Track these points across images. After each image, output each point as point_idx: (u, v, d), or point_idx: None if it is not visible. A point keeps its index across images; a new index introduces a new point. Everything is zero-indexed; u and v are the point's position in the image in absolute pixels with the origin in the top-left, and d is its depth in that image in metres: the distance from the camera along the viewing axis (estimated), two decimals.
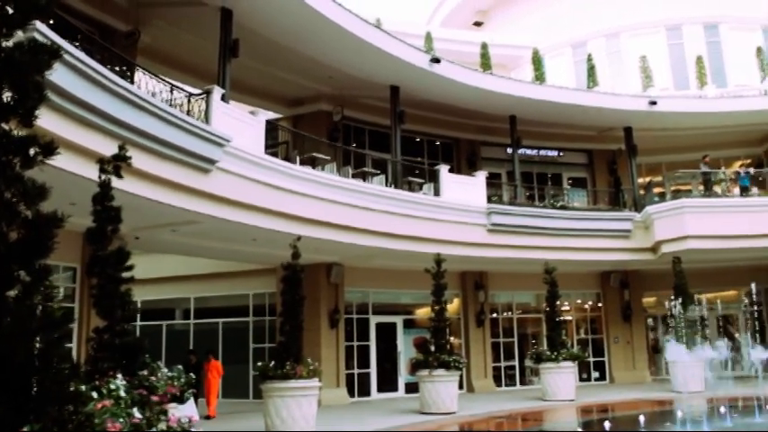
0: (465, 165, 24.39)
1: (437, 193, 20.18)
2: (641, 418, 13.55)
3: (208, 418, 16.40)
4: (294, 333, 13.32)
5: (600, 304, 26.19)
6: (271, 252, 16.99)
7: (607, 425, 13.73)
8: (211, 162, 13.02)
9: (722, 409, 14.21)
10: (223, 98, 14.15)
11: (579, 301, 26.52)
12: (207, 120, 13.42)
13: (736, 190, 23.72)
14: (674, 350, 20.14)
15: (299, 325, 13.44)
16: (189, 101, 13.45)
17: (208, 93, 13.77)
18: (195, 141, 12.47)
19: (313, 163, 17.50)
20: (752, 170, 24.87)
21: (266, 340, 20.92)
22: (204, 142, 12.71)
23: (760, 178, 24.79)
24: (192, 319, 23.29)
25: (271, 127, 18.40)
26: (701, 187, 23.42)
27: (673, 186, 24.79)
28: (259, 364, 13.71)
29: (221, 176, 13.45)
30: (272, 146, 18.57)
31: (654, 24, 30.49)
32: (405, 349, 22.46)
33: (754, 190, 24.01)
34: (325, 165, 18.06)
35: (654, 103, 23.52)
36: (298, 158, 17.21)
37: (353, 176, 18.67)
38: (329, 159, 18.39)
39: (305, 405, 12.86)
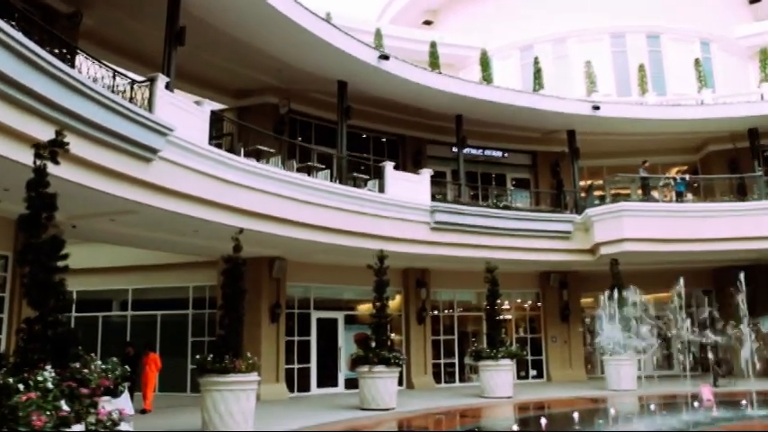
0: (410, 162, 24.52)
1: (382, 189, 20.19)
2: (575, 415, 13.87)
3: (144, 411, 16.10)
4: (234, 327, 13.17)
5: (539, 304, 26.64)
6: (212, 244, 16.78)
7: (543, 421, 14.02)
8: (154, 151, 12.75)
9: (652, 407, 14.68)
10: (167, 86, 13.87)
11: (519, 301, 26.93)
12: (150, 108, 13.14)
13: (674, 195, 24.41)
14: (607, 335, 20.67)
15: (240, 319, 13.29)
16: (132, 88, 13.14)
17: (152, 80, 13.48)
18: (137, 129, 12.19)
19: (258, 155, 17.31)
20: (687, 177, 25.67)
21: (206, 334, 20.67)
22: (147, 131, 12.44)
23: (695, 185, 25.61)
24: (130, 310, 22.80)
25: (216, 118, 18.13)
26: (640, 192, 24.04)
27: (613, 190, 25.41)
28: (197, 357, 13.51)
29: (163, 166, 13.19)
30: (216, 137, 18.31)
31: (599, 32, 31.14)
32: (345, 345, 22.45)
33: (689, 196, 24.81)
34: (270, 158, 17.87)
35: (597, 107, 24.03)
36: (242, 150, 17.00)
37: (298, 170, 18.54)
38: (274, 152, 18.21)
39: (243, 400, 12.71)
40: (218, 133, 19.36)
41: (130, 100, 12.78)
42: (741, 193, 24.27)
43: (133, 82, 13.24)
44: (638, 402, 16.94)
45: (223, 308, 13.40)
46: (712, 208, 22.68)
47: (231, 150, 16.62)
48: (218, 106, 20.80)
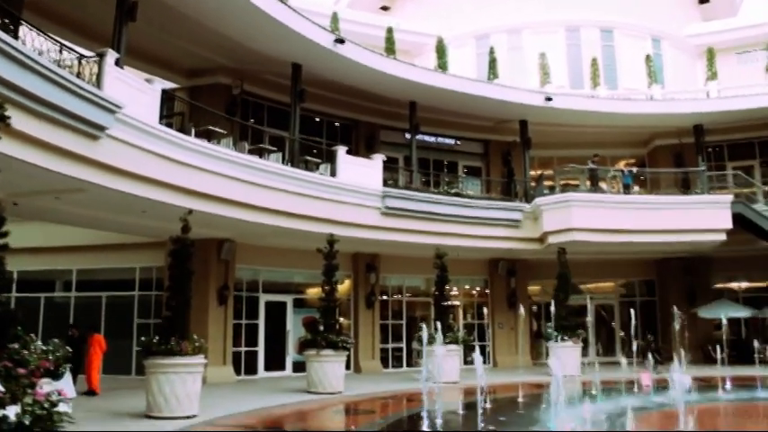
0: (363, 147, 24.49)
1: (334, 173, 20.15)
2: (519, 398, 14.11)
3: (92, 393, 15.84)
4: (181, 309, 13.01)
5: (487, 291, 26.97)
6: (160, 225, 16.52)
7: (488, 404, 14.29)
8: (101, 129, 12.49)
9: (593, 391, 15.10)
10: (117, 63, 13.58)
11: (467, 287, 27.23)
12: (99, 84, 12.85)
13: (622, 187, 24.94)
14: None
15: (187, 300, 13.13)
16: (80, 63, 12.82)
17: (101, 56, 13.17)
18: (85, 106, 11.91)
19: (209, 136, 17.08)
20: (635, 169, 26.23)
21: (152, 316, 20.39)
22: (94, 107, 12.17)
23: (642, 177, 26.19)
24: (74, 291, 22.32)
25: (167, 97, 17.86)
26: (589, 183, 24.51)
27: (562, 180, 25.84)
28: (143, 339, 13.34)
29: (112, 144, 12.94)
30: (167, 116, 18.03)
31: (554, 24, 31.51)
32: (294, 328, 22.42)
33: (636, 188, 25.38)
34: (222, 139, 17.66)
35: (549, 99, 24.33)
36: (193, 131, 16.76)
37: (250, 152, 18.36)
38: (226, 134, 18.01)
39: (189, 382, 12.58)
40: (169, 112, 19.07)
41: (78, 75, 12.47)
42: (685, 186, 24.94)
43: (81, 57, 12.91)
44: (579, 387, 17.34)
45: (170, 289, 13.22)
46: (657, 200, 23.26)
47: (182, 130, 16.37)
48: (169, 85, 20.42)
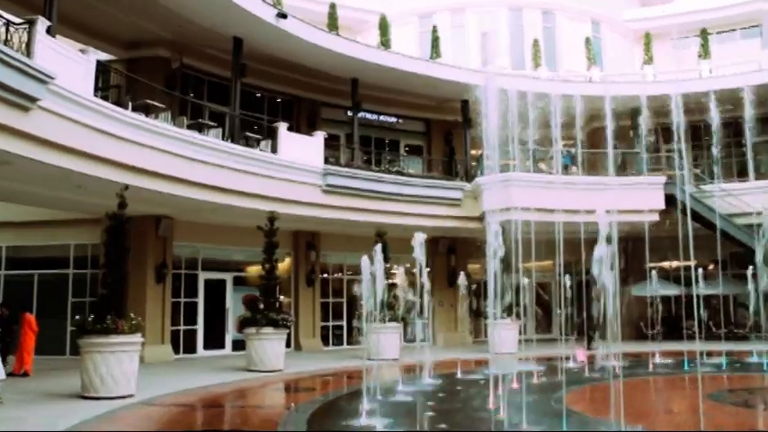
0: (305, 124, 24.28)
1: (274, 150, 19.93)
2: (458, 373, 14.37)
3: (25, 374, 15.39)
4: (117, 286, 12.75)
5: (428, 269, 27.14)
6: (96, 201, 16.05)
7: (426, 380, 14.50)
8: (32, 100, 12.02)
9: (529, 366, 15.50)
10: (49, 31, 13.05)
11: (408, 265, 27.36)
12: (29, 53, 12.33)
13: (560, 167, 25.37)
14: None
15: (123, 278, 12.89)
16: (8, 30, 12.26)
17: (31, 23, 12.62)
18: (13, 75, 11.42)
19: (146, 110, 16.63)
20: (573, 150, 26.70)
21: (87, 294, 19.91)
22: (24, 77, 11.68)
23: (580, 158, 26.69)
24: (4, 269, 21.59)
25: (103, 68, 17.30)
26: (528, 162, 24.85)
27: (503, 160, 26.07)
28: (77, 318, 13.00)
29: (43, 116, 12.47)
30: (102, 89, 17.48)
31: (497, 4, 31.64)
32: (234, 307, 22.25)
33: (574, 169, 25.86)
34: (160, 113, 17.23)
35: (490, 78, 24.44)
36: (130, 104, 16.29)
37: (189, 127, 17.98)
38: (164, 108, 17.58)
39: (126, 362, 12.34)
40: (106, 85, 18.50)
41: (5, 43, 11.95)
42: (622, 168, 25.53)
43: (9, 23, 12.35)
44: (516, 363, 17.72)
45: (106, 267, 12.92)
46: (595, 181, 23.75)
47: (118, 103, 15.89)
48: (106, 56, 19.80)
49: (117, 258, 12.83)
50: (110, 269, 12.80)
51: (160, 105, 17.36)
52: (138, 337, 12.68)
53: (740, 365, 17.67)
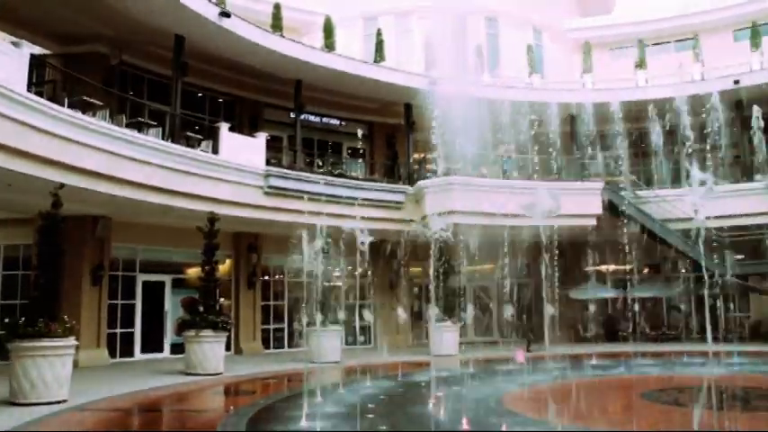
0: (247, 125, 24.00)
1: (216, 151, 19.69)
2: (399, 376, 14.43)
3: None
4: (49, 288, 12.34)
5: (369, 271, 27.18)
6: (28, 200, 15.53)
7: (368, 382, 14.50)
8: None
9: (470, 368, 15.65)
10: None
11: (350, 268, 27.34)
12: None
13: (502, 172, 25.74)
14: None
15: (56, 280, 12.49)
16: None
17: None
18: None
19: (83, 107, 16.22)
20: (514, 155, 27.12)
21: (18, 297, 19.24)
22: None
23: (521, 163, 27.13)
24: None
25: (37, 63, 16.80)
26: (470, 167, 25.09)
27: (445, 164, 26.27)
28: (6, 320, 12.55)
29: None
30: (37, 84, 16.99)
31: (442, 10, 31.87)
32: (172, 309, 21.86)
33: (515, 173, 26.27)
34: (98, 111, 16.83)
35: (433, 83, 24.70)
36: (66, 101, 15.87)
37: (128, 126, 17.62)
38: (102, 105, 17.17)
39: (58, 366, 11.94)
40: (40, 80, 17.98)
41: None
42: (562, 173, 26.03)
43: None
44: (456, 365, 17.89)
45: (38, 268, 12.51)
46: (535, 186, 24.11)
47: (54, 100, 15.45)
48: (41, 51, 19.25)
49: (50, 259, 12.43)
50: (42, 271, 12.40)
51: (98, 103, 16.95)
52: (71, 341, 12.30)
53: (672, 365, 18.20)
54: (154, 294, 21.64)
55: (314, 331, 20.16)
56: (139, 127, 18.11)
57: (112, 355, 19.82)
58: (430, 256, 22.98)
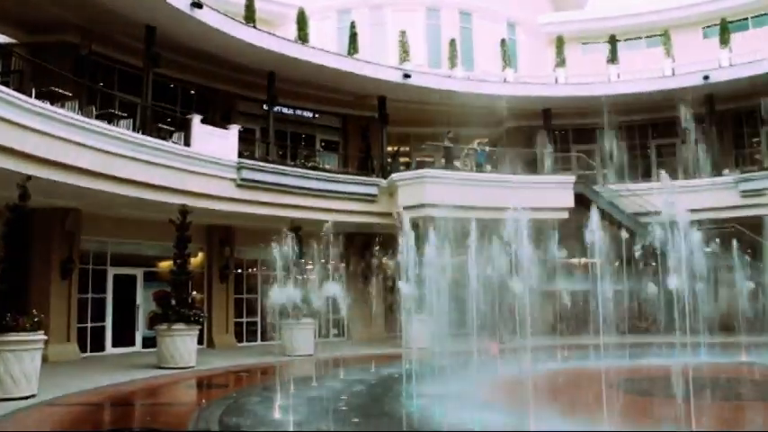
0: (219, 117, 23.72)
1: (188, 143, 19.49)
2: (372, 368, 14.49)
3: None
4: (17, 282, 12.17)
5: (342, 264, 27.15)
6: None
7: (341, 375, 14.56)
8: None
9: (443, 360, 15.74)
10: None
11: (323, 261, 27.28)
12: None
13: (474, 165, 25.82)
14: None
15: (24, 273, 12.31)
16: None
17: None
18: None
19: (52, 98, 15.96)
20: (487, 148, 27.24)
21: None
22: None
23: (494, 157, 27.25)
24: None
25: (3, 52, 16.49)
26: (443, 160, 25.18)
27: (418, 157, 26.37)
28: None
29: None
30: (2, 73, 16.67)
31: (415, 3, 31.98)
32: (144, 303, 21.66)
33: (489, 167, 26.38)
34: (67, 102, 16.56)
35: (408, 76, 24.73)
36: (34, 91, 15.59)
37: (98, 117, 17.36)
38: (71, 96, 16.90)
39: (27, 361, 11.78)
40: (6, 70, 17.63)
41: None
42: (534, 167, 26.20)
43: None
44: (430, 357, 17.97)
45: (5, 262, 12.31)
46: (508, 179, 24.24)
47: (21, 90, 15.16)
48: (6, 40, 18.88)
49: (17, 253, 12.25)
50: (9, 264, 12.21)
51: (67, 93, 16.69)
52: (40, 335, 12.15)
53: (642, 357, 18.43)
54: (125, 288, 21.41)
55: (287, 324, 20.11)
56: (110, 118, 17.87)
57: (83, 349, 19.58)
58: (403, 248, 23.04)
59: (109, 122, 17.40)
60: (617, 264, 27.22)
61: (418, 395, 11.21)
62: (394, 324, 26.85)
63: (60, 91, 16.45)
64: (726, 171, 25.72)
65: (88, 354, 19.66)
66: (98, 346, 20.37)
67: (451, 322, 28.39)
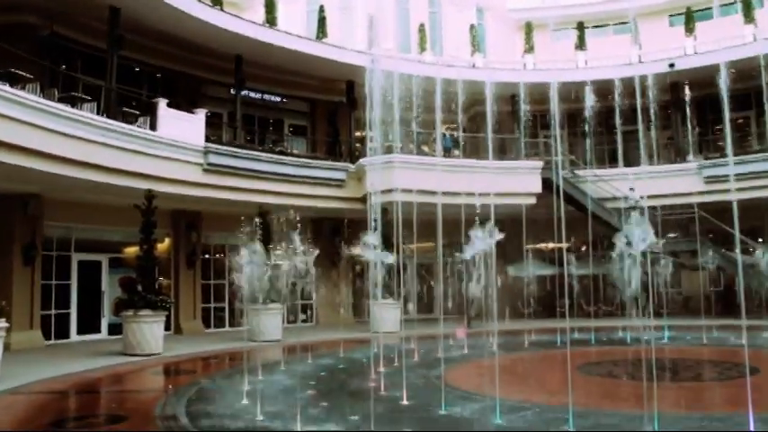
0: (186, 101, 23.40)
1: (153, 127, 19.24)
2: (340, 353, 14.72)
3: None
4: None
5: (311, 249, 27.01)
6: None
7: (308, 360, 14.63)
8: None
9: (411, 344, 15.83)
10: None
11: (291, 246, 27.14)
12: None
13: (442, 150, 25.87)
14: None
15: None
16: None
17: None
18: None
19: (11, 80, 15.59)
20: (455, 134, 27.28)
21: None
22: None
23: (462, 142, 27.32)
24: None
25: None
26: (411, 145, 25.20)
27: (386, 142, 26.29)
28: None
29: None
30: None
31: None
32: (109, 289, 21.39)
33: (456, 152, 26.46)
34: (27, 84, 16.19)
35: (376, 60, 24.58)
36: None
37: (60, 100, 17.02)
38: (32, 79, 16.54)
39: None
40: None
41: None
42: (502, 152, 26.34)
43: None
44: (397, 342, 18.04)
45: None
46: (476, 164, 24.36)
47: None
48: None
49: None
50: None
51: (27, 76, 16.32)
52: (2, 323, 11.95)
53: (607, 340, 18.72)
54: (90, 274, 21.13)
55: (255, 310, 20.04)
56: (73, 101, 17.53)
57: (47, 336, 19.30)
58: (370, 233, 23.05)
59: (72, 106, 17.07)
60: (584, 249, 27.59)
61: (384, 378, 11.26)
62: (362, 309, 26.95)
63: (21, 73, 16.09)
64: (690, 157, 26.11)
65: (52, 341, 19.40)
66: (63, 333, 20.10)
67: (420, 306, 28.59)
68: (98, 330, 21.09)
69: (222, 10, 22.31)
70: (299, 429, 7.64)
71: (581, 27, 29.97)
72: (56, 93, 17.48)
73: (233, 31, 21.49)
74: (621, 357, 15.08)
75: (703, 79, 26.00)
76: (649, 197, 22.32)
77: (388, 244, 22.39)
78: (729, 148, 23.82)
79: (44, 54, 19.21)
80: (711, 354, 15.54)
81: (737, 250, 20.11)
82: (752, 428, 7.08)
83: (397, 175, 22.89)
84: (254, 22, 23.21)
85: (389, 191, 22.73)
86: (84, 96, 18.38)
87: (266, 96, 26.44)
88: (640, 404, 8.00)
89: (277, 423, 8.44)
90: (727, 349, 16.10)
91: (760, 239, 23.71)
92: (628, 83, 25.28)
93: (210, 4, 22.26)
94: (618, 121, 25.58)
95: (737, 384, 10.48)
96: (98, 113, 17.93)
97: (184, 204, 22.10)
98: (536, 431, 8.19)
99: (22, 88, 15.67)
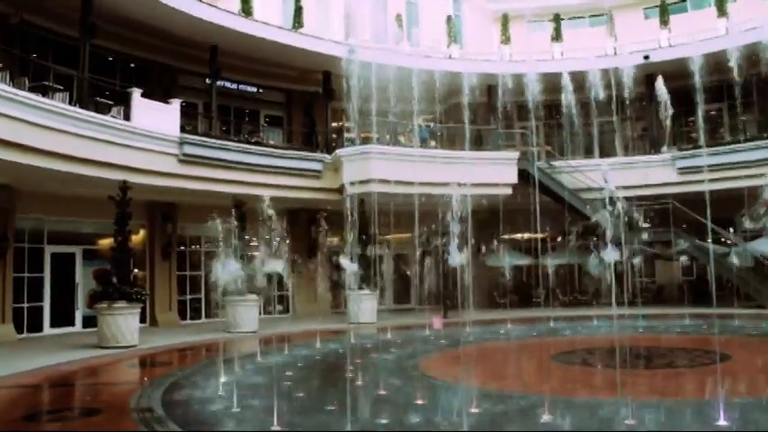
0: (160, 91, 23.16)
1: (127, 117, 19.02)
2: (317, 343, 14.74)
3: None
4: None
5: (288, 241, 26.97)
6: None
7: (285, 351, 14.60)
8: None
9: (387, 335, 15.88)
10: None
11: (267, 237, 27.04)
12: None
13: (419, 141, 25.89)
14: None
15: None
16: None
17: None
18: None
19: None
20: (431, 125, 27.33)
21: None
22: None
23: (438, 133, 27.38)
24: None
25: None
26: (388, 136, 25.20)
27: (363, 133, 26.28)
28: None
29: None
30: None
31: None
32: (84, 281, 21.17)
33: (433, 143, 26.50)
34: None
35: (353, 51, 24.53)
36: None
37: (31, 90, 16.76)
38: (1, 67, 16.27)
39: None
40: None
41: None
42: (478, 143, 26.40)
43: None
44: (374, 332, 18.09)
45: None
46: (453, 155, 24.42)
47: None
48: None
49: None
50: None
51: None
52: None
53: (581, 329, 18.89)
54: (64, 266, 20.89)
55: (231, 301, 19.96)
56: (44, 91, 17.27)
57: (19, 330, 19.07)
58: (348, 224, 23.04)
59: (43, 95, 16.81)
60: (559, 239, 27.80)
61: (361, 369, 11.27)
62: (339, 300, 26.95)
63: None
64: (664, 148, 26.36)
65: (25, 335, 19.17)
66: (36, 326, 19.86)
67: (396, 297, 28.66)
68: (72, 323, 20.88)
69: None
70: (274, 419, 7.62)
71: (557, 19, 30.09)
72: (26, 82, 17.21)
73: (208, 20, 21.29)
74: (596, 346, 15.22)
75: (677, 71, 26.29)
76: (624, 188, 22.53)
77: (365, 235, 22.44)
78: (702, 140, 24.14)
79: (14, 42, 18.89)
80: (684, 342, 15.74)
81: (709, 240, 20.42)
82: (722, 413, 7.17)
83: (373, 166, 22.90)
84: (229, 12, 23.00)
85: (366, 181, 22.76)
86: (55, 86, 18.13)
87: (242, 87, 26.26)
88: (614, 391, 8.09)
89: (252, 414, 8.41)
90: (699, 337, 16.31)
91: (731, 229, 23.99)
92: (603, 74, 25.47)
93: None
94: (593, 112, 25.79)
95: (709, 371, 10.62)
96: (70, 103, 17.70)
97: (160, 195, 21.91)
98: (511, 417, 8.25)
99: None
